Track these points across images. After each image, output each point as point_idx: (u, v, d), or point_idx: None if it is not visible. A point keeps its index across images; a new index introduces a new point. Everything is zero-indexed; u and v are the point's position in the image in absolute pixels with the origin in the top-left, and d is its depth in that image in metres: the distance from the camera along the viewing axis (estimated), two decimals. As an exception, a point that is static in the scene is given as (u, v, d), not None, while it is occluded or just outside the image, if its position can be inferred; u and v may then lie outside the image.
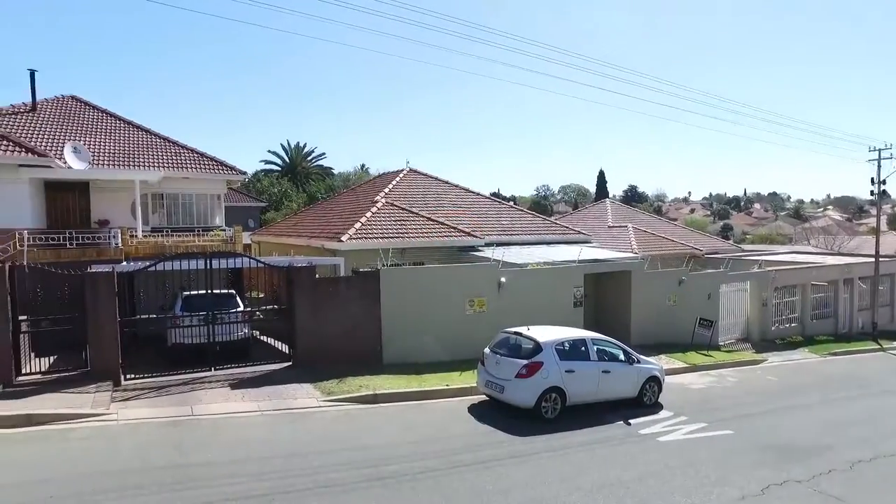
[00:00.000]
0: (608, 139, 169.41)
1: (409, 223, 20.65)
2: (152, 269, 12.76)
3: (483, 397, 11.79)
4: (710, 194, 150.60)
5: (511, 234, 22.94)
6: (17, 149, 17.74)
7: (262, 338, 16.72)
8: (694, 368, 16.47)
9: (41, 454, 7.95)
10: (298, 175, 58.15)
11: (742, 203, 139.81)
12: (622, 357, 12.01)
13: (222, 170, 22.77)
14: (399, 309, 14.28)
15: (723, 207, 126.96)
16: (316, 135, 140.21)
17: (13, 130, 20.79)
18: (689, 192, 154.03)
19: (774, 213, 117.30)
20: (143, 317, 13.23)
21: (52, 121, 23.32)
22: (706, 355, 17.97)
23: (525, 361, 10.81)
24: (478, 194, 27.01)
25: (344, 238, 18.34)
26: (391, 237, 19.15)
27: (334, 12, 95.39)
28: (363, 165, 68.49)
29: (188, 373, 12.52)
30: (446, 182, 27.09)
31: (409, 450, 8.80)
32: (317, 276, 13.81)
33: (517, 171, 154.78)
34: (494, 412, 10.97)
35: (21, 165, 17.94)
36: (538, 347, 10.99)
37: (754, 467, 8.87)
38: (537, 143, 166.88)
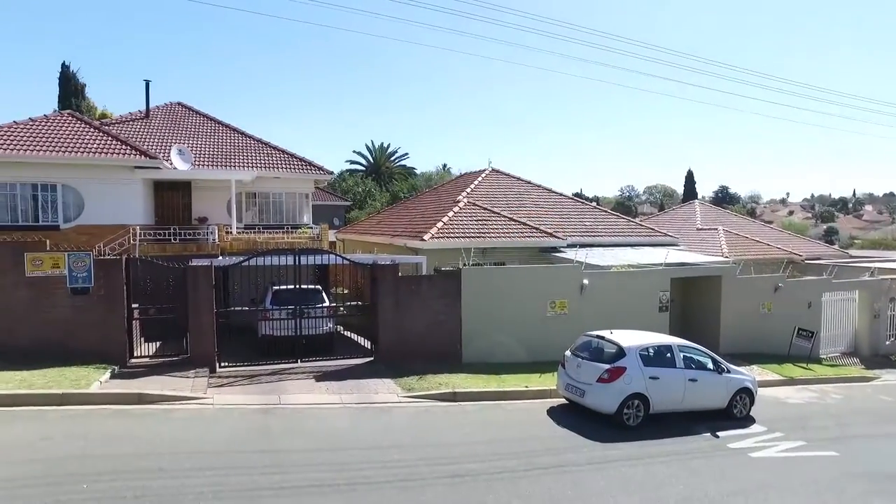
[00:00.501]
0: (697, 137, 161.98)
1: (490, 223, 20.66)
2: (246, 264, 13.52)
3: (563, 400, 11.61)
4: (812, 195, 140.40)
5: (594, 236, 22.41)
6: (133, 152, 19.30)
7: (345, 333, 17.30)
8: (791, 382, 15.43)
9: (150, 430, 8.63)
10: (382, 175, 59.60)
11: (850, 205, 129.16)
12: (710, 365, 11.46)
13: (310, 170, 23.73)
14: (480, 308, 14.34)
15: (826, 210, 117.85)
16: (399, 135, 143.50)
17: (130, 136, 22.66)
18: (787, 194, 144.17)
19: (891, 216, 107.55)
20: (236, 308, 14.04)
21: (161, 126, 25.21)
22: (805, 368, 16.79)
23: (607, 366, 10.55)
24: (560, 194, 26.59)
25: (426, 237, 18.61)
26: (473, 237, 19.23)
27: (423, 14, 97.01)
28: (445, 165, 69.24)
29: (276, 363, 13.17)
30: (528, 182, 26.88)
31: (486, 449, 8.82)
32: (399, 274, 14.11)
33: (600, 171, 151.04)
34: (574, 416, 10.78)
35: (136, 167, 19.52)
36: (621, 352, 10.70)
37: (864, 496, 8.18)
38: (622, 143, 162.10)
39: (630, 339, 11.13)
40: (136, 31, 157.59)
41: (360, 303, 15.11)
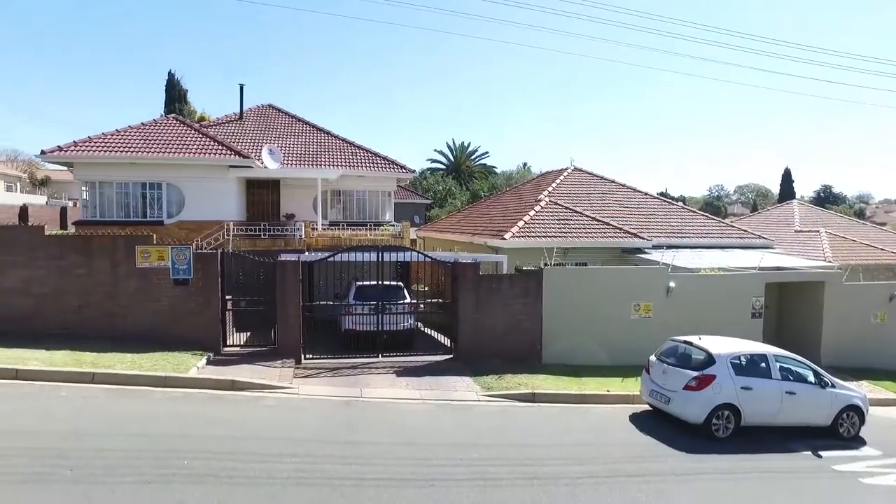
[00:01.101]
0: (797, 133, 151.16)
1: (572, 222, 20.27)
2: (331, 259, 13.98)
3: (646, 407, 11.21)
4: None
5: (681, 237, 21.52)
6: (228, 152, 20.42)
7: (424, 329, 17.52)
8: (908, 401, 14.13)
9: (241, 415, 9.11)
10: (462, 173, 59.91)
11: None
12: (812, 378, 10.67)
13: (394, 168, 24.20)
14: (561, 309, 14.10)
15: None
16: (480, 134, 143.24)
17: (225, 137, 24.03)
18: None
19: None
20: (321, 303, 14.55)
21: (253, 127, 26.55)
22: (926, 387, 15.30)
23: (695, 373, 10.07)
24: (645, 194, 25.69)
25: (507, 236, 18.52)
26: (554, 236, 18.95)
27: (509, 11, 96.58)
28: (525, 164, 68.58)
29: (358, 357, 13.54)
30: (612, 181, 26.16)
31: (565, 452, 8.65)
32: (480, 272, 14.12)
33: (687, 169, 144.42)
34: (658, 424, 10.38)
35: (231, 166, 20.66)
36: (710, 359, 10.17)
37: None
38: (710, 140, 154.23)
39: (720, 346, 10.57)
40: (231, 34, 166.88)
41: (440, 300, 15.24)
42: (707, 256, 18.57)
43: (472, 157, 63.93)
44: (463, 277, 13.86)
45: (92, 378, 9.93)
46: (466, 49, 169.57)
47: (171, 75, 39.32)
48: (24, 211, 26.25)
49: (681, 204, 29.75)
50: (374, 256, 13.90)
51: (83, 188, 20.56)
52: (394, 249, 14.68)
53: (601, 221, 20.61)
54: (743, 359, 10.36)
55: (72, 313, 12.21)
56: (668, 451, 9.16)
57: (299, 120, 27.56)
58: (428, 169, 62.12)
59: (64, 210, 36.47)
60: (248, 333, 14.16)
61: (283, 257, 14.32)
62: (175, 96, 39.00)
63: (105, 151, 19.61)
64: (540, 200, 22.08)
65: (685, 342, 10.94)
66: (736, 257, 18.77)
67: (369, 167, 24.07)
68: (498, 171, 64.78)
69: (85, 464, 6.77)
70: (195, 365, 11.10)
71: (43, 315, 12.12)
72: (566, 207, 21.42)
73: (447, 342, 14.82)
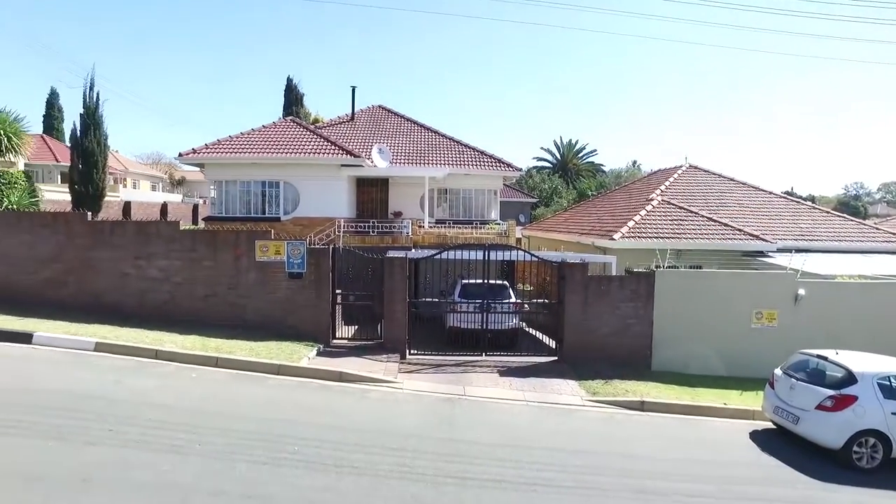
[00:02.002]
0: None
1: (686, 223, 19.13)
2: (437, 256, 14.12)
3: (768, 424, 10.29)
4: None
5: (811, 240, 19.64)
6: (341, 151, 21.27)
7: (528, 329, 17.27)
8: None
9: (348, 407, 9.43)
10: (569, 172, 58.69)
11: None
12: None
13: (500, 167, 24.10)
14: (673, 314, 13.32)
15: None
16: (588, 131, 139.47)
17: (337, 137, 25.10)
18: None
19: None
20: (427, 299, 14.74)
21: (364, 128, 27.50)
22: None
23: (831, 392, 9.06)
24: (769, 192, 23.72)
25: (616, 236, 17.83)
26: (667, 237, 17.98)
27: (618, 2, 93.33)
28: (635, 162, 65.85)
29: (462, 355, 13.57)
30: (731, 179, 24.42)
31: (676, 467, 8.12)
32: (588, 273, 13.67)
33: (817, 165, 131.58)
34: (784, 444, 9.47)
35: (342, 165, 21.53)
36: (851, 377, 9.10)
37: None
38: (846, 132, 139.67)
39: (864, 363, 9.44)
40: (344, 38, 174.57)
41: (545, 301, 14.93)
42: (844, 262, 16.79)
43: (580, 155, 62.44)
44: (570, 278, 13.48)
45: (216, 362, 10.71)
46: (578, 44, 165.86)
47: (289, 80, 41.67)
48: (164, 208, 29.05)
49: (810, 203, 27.15)
50: (479, 255, 13.89)
51: (211, 187, 22.28)
52: (500, 248, 14.56)
53: (718, 222, 19.29)
54: (893, 380, 9.15)
55: (200, 301, 13.24)
56: (795, 477, 8.33)
57: (408, 120, 28.21)
58: (534, 167, 61.45)
59: (196, 207, 39.92)
60: (356, 327, 14.65)
61: (391, 254, 14.69)
62: (293, 100, 41.31)
63: (230, 153, 21.13)
64: (651, 199, 21.06)
65: (819, 356, 9.90)
66: (881, 263, 16.83)
67: (476, 165, 24.14)
68: (606, 169, 62.82)
69: (210, 440, 7.29)
70: (306, 355, 11.64)
71: (177, 302, 13.25)
72: (680, 207, 20.26)
73: (551, 343, 14.50)
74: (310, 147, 21.52)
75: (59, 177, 48.40)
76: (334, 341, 13.54)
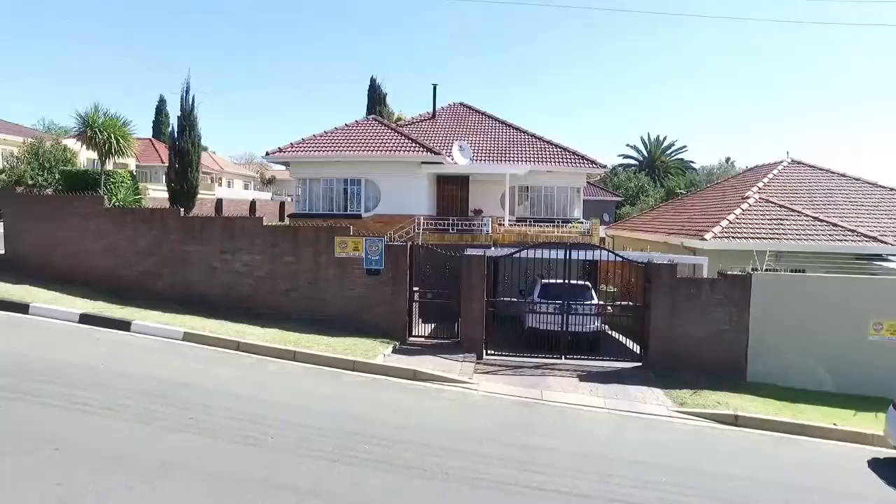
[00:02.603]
0: None
1: (788, 223, 17.65)
2: (517, 255, 13.73)
3: (892, 453, 9.13)
4: None
5: (941, 242, 17.54)
6: (421, 149, 21.29)
7: (610, 332, 16.53)
8: None
9: (421, 407, 9.26)
10: (656, 169, 56.32)
11: None
12: None
13: (583, 163, 23.31)
14: (773, 321, 12.21)
15: None
16: (677, 127, 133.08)
17: (418, 135, 25.18)
18: None
19: None
20: (505, 299, 14.36)
21: (445, 125, 27.44)
22: None
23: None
24: (890, 189, 21.44)
25: (707, 236, 16.70)
26: (765, 238, 16.66)
27: None
28: (728, 159, 62.34)
29: (540, 357, 13.12)
30: (841, 174, 22.34)
31: (780, 495, 7.30)
32: (677, 275, 12.82)
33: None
34: (913, 477, 8.33)
35: (422, 163, 21.54)
36: None
37: None
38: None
39: None
40: (427, 37, 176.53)
41: (629, 303, 14.15)
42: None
43: (668, 152, 59.75)
44: (657, 280, 12.70)
45: (294, 356, 10.88)
46: (666, 37, 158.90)
47: (372, 80, 42.44)
48: (252, 205, 30.38)
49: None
50: (560, 254, 13.38)
51: (296, 184, 22.97)
52: (582, 247, 14.00)
53: (826, 222, 17.64)
54: None
55: (281, 296, 13.57)
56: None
57: (489, 116, 27.91)
58: (619, 165, 59.46)
59: (282, 204, 41.54)
60: (434, 325, 14.52)
61: (470, 252, 14.47)
62: (376, 99, 42.05)
63: (314, 151, 21.67)
64: (748, 197, 19.61)
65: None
66: None
67: (558, 162, 23.48)
68: (696, 166, 59.75)
69: (282, 434, 7.33)
70: (382, 352, 11.61)
71: (259, 296, 13.65)
72: (780, 205, 18.72)
73: (635, 348, 13.75)
74: (391, 145, 21.69)
75: (163, 177, 51.98)
76: (411, 339, 13.47)
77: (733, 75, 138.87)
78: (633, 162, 60.48)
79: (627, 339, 14.94)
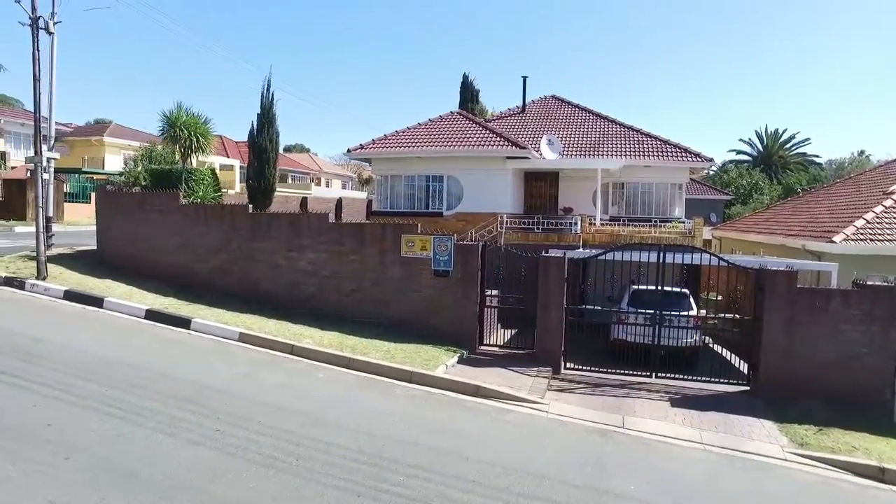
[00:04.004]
0: None
1: (944, 223, 14.64)
2: (602, 257, 12.17)
3: None
4: None
5: None
6: (505, 143, 20.04)
7: (713, 346, 14.46)
8: None
9: (478, 430, 8.04)
10: (773, 165, 51.23)
11: None
12: None
13: (685, 157, 21.04)
14: (928, 345, 9.82)
15: None
16: (798, 119, 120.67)
17: (506, 130, 23.92)
18: None
19: None
20: (587, 307, 12.70)
21: (535, 119, 25.97)
22: None
23: None
24: None
25: (837, 238, 14.18)
26: (913, 241, 13.86)
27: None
28: (862, 152, 55.54)
29: (626, 374, 11.47)
30: None
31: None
32: (797, 284, 10.70)
33: None
34: None
35: (507, 158, 20.29)
36: None
37: None
38: None
39: None
40: (521, 31, 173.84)
41: (736, 315, 12.06)
42: None
43: (787, 146, 54.19)
44: (771, 288, 10.66)
45: (348, 363, 10.04)
46: (786, 18, 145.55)
47: (465, 77, 41.51)
48: (339, 203, 30.34)
49: None
50: (653, 256, 11.65)
51: (377, 181, 22.48)
52: (678, 249, 12.12)
53: None
54: None
55: (345, 296, 12.85)
56: None
57: (582, 109, 26.11)
58: (730, 161, 54.81)
59: (370, 203, 41.55)
60: (515, 331, 13.24)
61: (552, 253, 13.09)
62: (468, 97, 41.11)
63: (394, 147, 21.03)
64: (892, 193, 16.60)
65: None
66: None
67: (657, 156, 21.34)
68: (821, 160, 53.74)
69: (310, 455, 6.44)
70: (444, 363, 10.50)
71: (324, 296, 13.02)
72: (935, 202, 15.63)
73: (742, 367, 11.71)
74: (473, 139, 20.61)
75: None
76: (481, 348, 12.27)
77: (869, 57, 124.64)
78: (745, 157, 55.42)
79: (733, 355, 12.88)
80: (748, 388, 10.99)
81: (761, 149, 54.51)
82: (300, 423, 7.40)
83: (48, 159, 16.23)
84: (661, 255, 11.58)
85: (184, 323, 11.43)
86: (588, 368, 11.66)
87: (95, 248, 16.28)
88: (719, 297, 15.34)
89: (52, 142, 16.70)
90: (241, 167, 49.34)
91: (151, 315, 11.76)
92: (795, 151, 54.13)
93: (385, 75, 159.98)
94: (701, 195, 39.43)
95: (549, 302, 11.63)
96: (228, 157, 47.16)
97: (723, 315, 12.41)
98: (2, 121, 35.76)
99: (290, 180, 55.64)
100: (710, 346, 14.73)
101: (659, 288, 11.72)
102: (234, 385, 8.58)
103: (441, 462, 6.68)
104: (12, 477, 5.48)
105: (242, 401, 7.95)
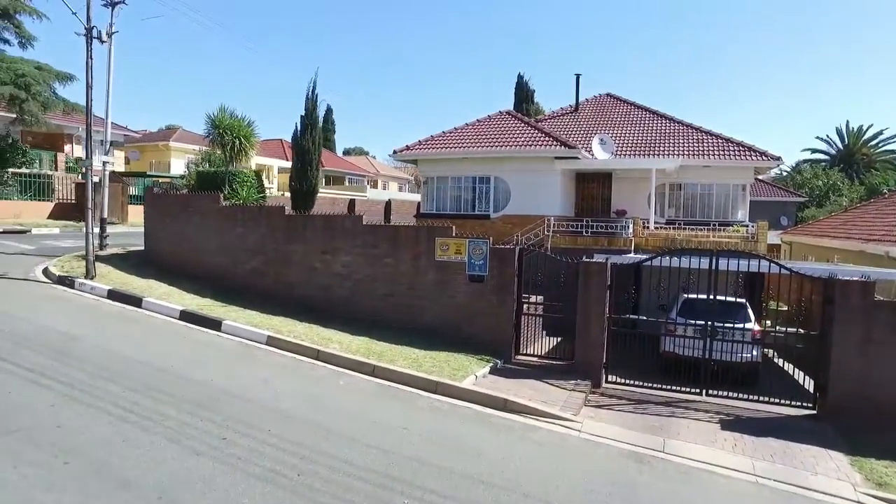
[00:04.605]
0: None
1: None
2: (647, 263, 11.30)
3: None
4: None
5: None
6: (553, 142, 19.30)
7: (777, 360, 13.23)
8: None
9: (500, 451, 7.40)
10: (855, 164, 47.68)
11: None
12: None
13: (749, 155, 19.64)
14: None
15: None
16: (885, 114, 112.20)
17: (558, 129, 23.10)
18: None
19: None
20: (631, 316, 11.69)
21: (588, 118, 25.02)
22: None
23: None
24: None
25: (924, 244, 12.66)
26: None
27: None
28: (965, 147, 50.81)
29: (673, 390, 10.54)
30: None
31: None
32: (875, 296, 9.50)
33: None
34: None
35: (556, 158, 19.52)
36: None
37: None
38: None
39: None
40: (575, 30, 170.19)
41: (799, 330, 10.82)
42: None
43: (872, 143, 50.28)
44: (843, 301, 9.51)
45: (372, 371, 9.64)
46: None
47: (519, 77, 40.87)
48: (388, 205, 30.24)
49: None
50: (705, 262, 10.67)
51: (424, 183, 22.15)
52: (735, 255, 11.06)
53: None
54: None
55: (379, 300, 12.50)
56: None
57: (637, 107, 24.91)
58: (805, 161, 51.39)
59: (419, 205, 41.37)
60: (559, 339, 12.50)
61: (598, 257, 12.30)
62: (523, 97, 40.38)
63: (441, 148, 20.62)
64: None
65: None
66: None
67: (717, 155, 20.00)
68: (913, 158, 49.56)
69: (313, 471, 6.04)
70: (475, 373, 9.92)
71: (357, 300, 12.72)
72: None
73: (809, 386, 10.53)
74: (521, 139, 19.95)
75: (323, 180, 55.30)
76: (518, 357, 11.61)
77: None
78: (823, 157, 51.87)
79: (799, 371, 11.66)
80: (815, 411, 9.85)
81: (841, 147, 50.86)
82: (310, 434, 7.04)
83: (104, 163, 16.77)
84: (713, 260, 10.58)
85: (215, 325, 11.37)
86: (633, 382, 10.80)
87: (143, 248, 16.65)
88: (785, 308, 14.04)
89: (109, 146, 17.26)
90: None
91: (185, 316, 11.78)
92: (883, 149, 50.14)
93: (442, 77, 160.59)
94: (770, 197, 37.05)
95: (590, 310, 10.86)
96: (288, 160, 48.21)
97: (784, 329, 11.09)
98: (79, 129, 37.81)
99: (346, 182, 56.42)
100: (774, 359, 13.48)
101: (710, 297, 10.70)
102: (252, 390, 8.32)
103: (452, 485, 6.14)
104: (10, 481, 5.36)
105: (256, 407, 7.68)
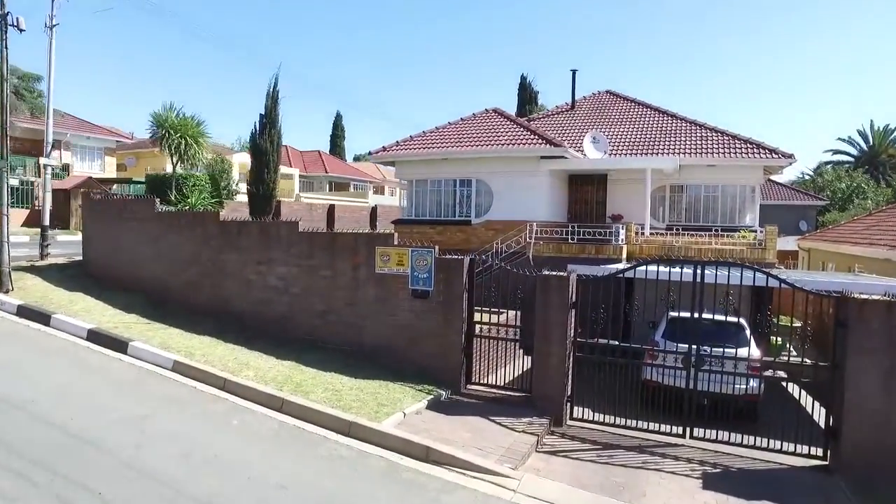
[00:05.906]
0: None
1: None
2: (631, 274, 9.47)
3: None
4: None
5: None
6: (537, 141, 17.63)
7: (790, 387, 11.20)
8: None
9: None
10: (880, 165, 45.03)
11: None
12: None
13: (757, 153, 17.72)
14: None
15: None
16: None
17: (552, 128, 21.40)
18: None
19: None
20: (601, 340, 9.66)
21: (584, 116, 23.29)
22: None
23: None
24: None
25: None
26: None
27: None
28: None
29: (650, 431, 8.68)
30: None
31: None
32: (896, 318, 7.60)
33: None
34: None
35: (542, 157, 17.82)
36: None
37: None
38: None
39: None
40: (577, 29, 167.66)
41: (805, 361, 8.81)
42: None
43: (900, 143, 47.58)
44: (858, 325, 7.63)
45: (281, 405, 8.02)
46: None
47: (522, 78, 39.28)
48: (373, 211, 28.66)
49: None
50: (697, 273, 8.77)
51: (402, 187, 20.58)
52: (727, 265, 9.12)
53: None
54: None
55: (317, 318, 10.87)
56: None
57: (638, 103, 23.08)
58: (827, 163, 48.83)
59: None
60: (525, 368, 10.64)
61: (578, 268, 10.66)
62: (526, 98, 38.75)
63: (420, 149, 19.04)
64: None
65: None
66: None
67: (722, 153, 18.11)
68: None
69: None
70: (403, 409, 8.20)
71: (293, 317, 11.11)
72: None
73: (822, 421, 8.56)
74: (504, 138, 18.26)
75: (327, 186, 54.16)
76: (470, 387, 9.82)
77: None
78: (847, 158, 49.19)
79: (809, 400, 9.67)
80: (825, 461, 7.96)
81: (866, 148, 48.13)
82: (156, 499, 5.43)
83: (43, 165, 15.48)
84: (697, 270, 8.74)
85: (121, 346, 9.87)
86: (600, 421, 8.95)
87: (81, 258, 15.28)
88: (799, 323, 12.03)
89: (50, 148, 15.94)
90: (302, 176, 49.35)
91: (92, 336, 10.31)
92: (911, 149, 47.40)
93: (444, 82, 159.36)
94: (788, 200, 34.76)
95: (549, 333, 9.08)
96: (292, 166, 47.17)
97: (787, 358, 9.04)
98: (68, 135, 37.01)
99: (352, 188, 55.22)
100: (785, 384, 11.48)
101: (693, 315, 8.80)
102: (115, 433, 6.75)
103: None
104: None
105: (108, 460, 6.13)
